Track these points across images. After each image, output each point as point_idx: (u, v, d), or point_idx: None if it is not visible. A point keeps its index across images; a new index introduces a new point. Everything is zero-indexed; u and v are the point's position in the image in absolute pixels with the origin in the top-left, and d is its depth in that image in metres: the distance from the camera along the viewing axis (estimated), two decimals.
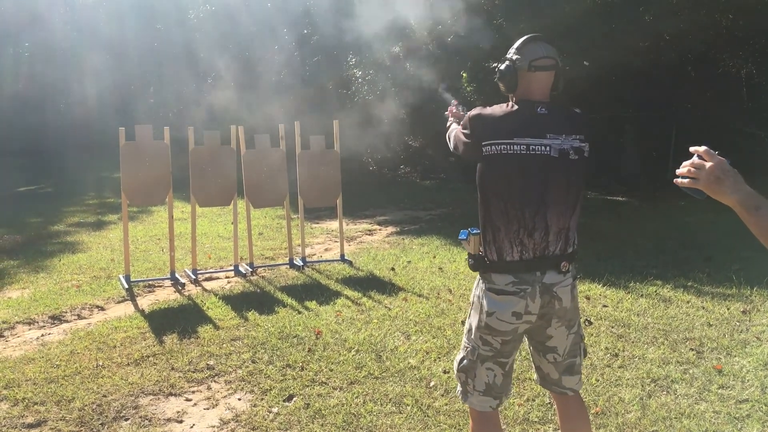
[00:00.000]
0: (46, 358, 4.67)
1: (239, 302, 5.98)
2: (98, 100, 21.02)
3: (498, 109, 2.53)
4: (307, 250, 8.16)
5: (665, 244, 8.01)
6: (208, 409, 3.90)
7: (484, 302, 2.51)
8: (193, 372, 4.39)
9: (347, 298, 6.03)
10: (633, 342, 4.77)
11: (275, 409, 3.83)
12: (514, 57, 2.52)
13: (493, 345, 2.52)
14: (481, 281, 2.56)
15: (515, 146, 2.43)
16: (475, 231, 2.55)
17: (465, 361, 2.59)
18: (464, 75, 11.31)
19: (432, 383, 4.12)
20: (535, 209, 2.43)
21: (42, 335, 5.27)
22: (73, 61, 21.39)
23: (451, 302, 5.78)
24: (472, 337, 2.56)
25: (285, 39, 15.09)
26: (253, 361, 4.54)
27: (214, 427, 3.68)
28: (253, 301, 6.03)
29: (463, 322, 4.96)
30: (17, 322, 5.53)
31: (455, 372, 2.67)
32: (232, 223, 7.44)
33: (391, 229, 9.90)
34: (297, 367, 4.41)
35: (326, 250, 8.53)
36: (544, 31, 2.92)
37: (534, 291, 2.45)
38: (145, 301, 6.22)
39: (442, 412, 3.75)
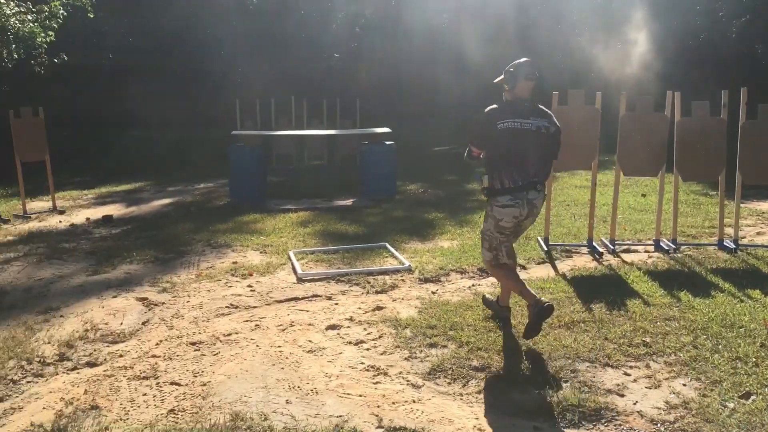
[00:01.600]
0: (481, 307, 4.94)
1: (666, 280, 5.58)
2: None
3: (501, 105, 4.32)
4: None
5: None
6: (649, 388, 3.66)
7: (496, 214, 4.28)
8: (629, 346, 4.19)
9: None
10: None
11: (730, 405, 3.42)
12: (513, 70, 4.26)
13: (504, 234, 4.36)
14: (489, 202, 4.34)
15: (513, 122, 4.17)
16: (480, 170, 4.42)
17: (491, 243, 4.42)
18: None
19: None
20: (522, 158, 4.19)
21: (473, 285, 5.61)
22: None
23: None
24: (490, 235, 4.41)
25: None
26: (695, 347, 4.15)
27: (659, 409, 3.43)
28: (682, 280, 5.56)
29: None
30: (451, 270, 5.99)
31: (485, 252, 4.52)
32: (643, 195, 6.96)
33: None
34: (750, 362, 3.90)
35: (758, 233, 7.51)
36: None
37: (523, 203, 4.21)
38: (564, 266, 6.20)
39: None
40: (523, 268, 6.12)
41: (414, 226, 7.85)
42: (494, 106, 4.30)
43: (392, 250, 6.60)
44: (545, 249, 6.65)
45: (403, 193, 10.49)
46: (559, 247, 6.80)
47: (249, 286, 5.62)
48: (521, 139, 4.16)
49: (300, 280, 5.77)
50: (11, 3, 12.01)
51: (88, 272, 6.20)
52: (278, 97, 14.56)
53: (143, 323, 4.86)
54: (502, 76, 4.32)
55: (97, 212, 9.44)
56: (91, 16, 15.17)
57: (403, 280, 5.73)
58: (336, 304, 5.22)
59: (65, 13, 13.54)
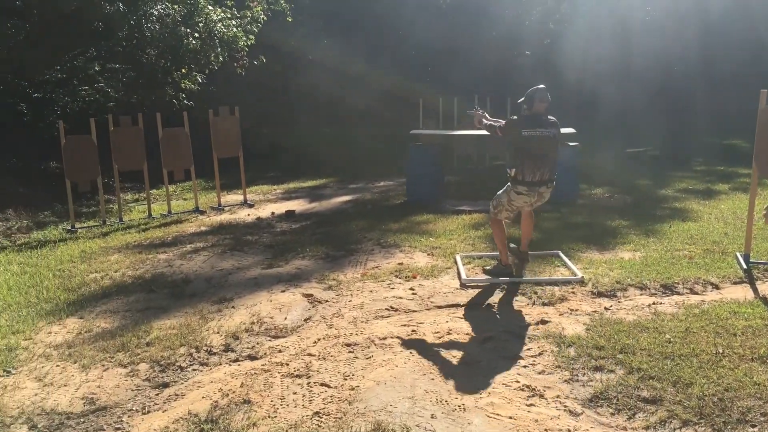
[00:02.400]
0: (659, 329, 4.44)
1: None
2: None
3: (524, 117, 5.57)
4: None
5: None
6: None
7: (512, 195, 5.61)
8: None
9: None
10: None
11: None
12: (531, 94, 5.54)
13: (514, 208, 5.73)
14: (511, 185, 5.60)
15: (535, 131, 5.47)
16: (508, 168, 5.61)
17: (497, 206, 5.73)
18: None
19: None
20: (541, 158, 5.50)
21: (653, 303, 5.07)
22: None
23: None
24: (501, 201, 5.71)
25: None
26: None
27: None
28: None
29: None
30: (629, 285, 5.48)
31: (491, 208, 5.82)
32: None
33: None
34: None
35: None
36: None
37: (534, 194, 5.59)
38: (767, 288, 5.43)
39: None
40: (716, 287, 5.44)
41: (593, 234, 7.33)
42: (515, 117, 5.72)
43: (565, 259, 6.19)
44: (744, 267, 5.87)
45: (587, 198, 9.89)
46: (762, 265, 5.98)
47: (411, 289, 5.53)
48: (542, 143, 5.49)
49: (463, 285, 5.59)
50: (218, 9, 12.99)
51: (263, 265, 6.48)
52: (461, 95, 14.44)
53: (305, 320, 4.95)
54: (523, 98, 5.59)
55: (282, 207, 9.92)
56: (290, 20, 16.05)
57: (573, 292, 5.33)
58: (498, 313, 4.97)
59: (265, 18, 14.43)
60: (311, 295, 5.49)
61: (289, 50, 18.69)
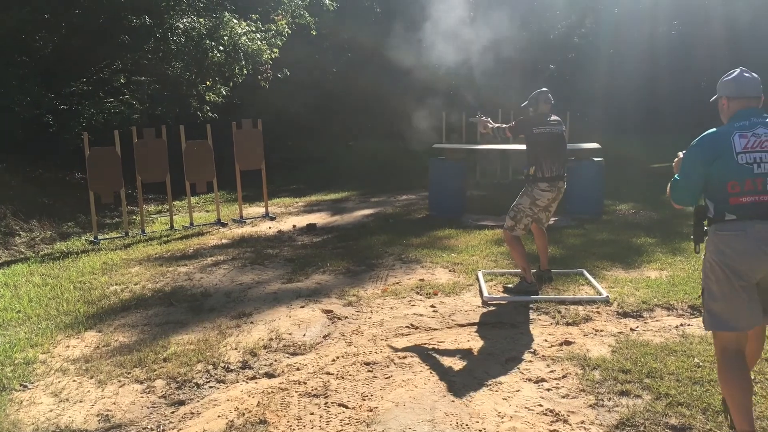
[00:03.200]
0: (687, 353, 4.31)
1: None
2: None
3: (533, 116, 5.84)
4: None
5: None
6: None
7: (535, 194, 5.68)
8: None
9: None
10: None
11: None
12: (535, 96, 5.83)
13: (535, 212, 5.73)
14: (531, 185, 5.72)
15: (545, 128, 5.72)
16: (526, 170, 5.78)
17: (517, 215, 5.71)
18: None
19: None
20: (556, 154, 5.73)
21: (681, 324, 4.93)
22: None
23: None
24: (521, 208, 5.72)
25: None
26: None
27: None
28: None
29: None
30: (656, 305, 5.34)
31: (508, 220, 5.79)
32: None
33: None
34: None
35: None
36: None
37: (555, 188, 5.71)
38: None
39: None
40: None
41: (618, 252, 7.19)
42: (522, 118, 6.03)
43: (590, 277, 6.06)
44: None
45: (611, 214, 9.73)
46: None
47: (432, 306, 5.45)
48: (554, 139, 5.71)
49: (485, 303, 5.48)
50: (242, 23, 13.07)
51: (283, 280, 6.44)
52: (485, 109, 14.34)
53: (324, 336, 4.88)
54: (527, 102, 5.85)
55: (303, 220, 9.89)
56: (314, 33, 16.12)
57: (598, 312, 5.20)
58: (521, 333, 4.86)
59: (290, 31, 14.50)
60: (331, 311, 5.42)
61: (313, 63, 18.76)
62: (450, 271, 6.56)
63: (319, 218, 10.07)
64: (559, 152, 5.75)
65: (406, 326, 5.03)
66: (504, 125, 6.03)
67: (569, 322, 5.00)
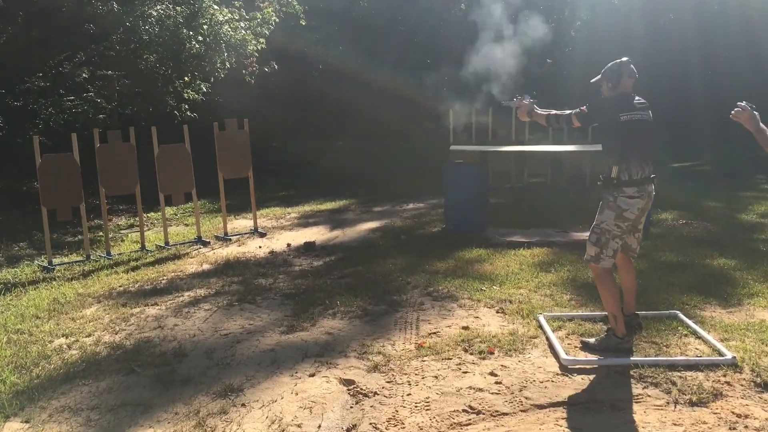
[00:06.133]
0: None
1: None
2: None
3: (614, 97, 4.33)
4: None
5: None
6: None
7: (622, 204, 4.19)
8: None
9: None
10: None
11: None
12: (617, 68, 4.30)
13: (624, 229, 4.22)
14: (614, 192, 4.21)
15: (634, 114, 4.25)
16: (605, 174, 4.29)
17: (601, 238, 4.23)
18: None
19: None
20: (646, 149, 4.27)
21: None
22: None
23: None
24: (605, 227, 4.23)
25: None
26: None
27: None
28: None
29: None
30: None
31: (590, 247, 4.29)
32: None
33: None
34: None
35: None
36: None
37: (644, 195, 4.23)
38: None
39: None
40: None
41: (700, 280, 5.75)
42: (602, 99, 4.40)
43: (692, 323, 4.59)
44: None
45: (658, 225, 8.31)
46: None
47: (492, 373, 3.96)
48: (644, 130, 4.25)
49: (565, 368, 4.01)
50: (224, 10, 11.52)
51: (282, 328, 4.93)
52: (495, 106, 12.90)
53: (347, 430, 3.39)
54: (599, 76, 4.39)
55: (299, 236, 8.40)
56: (303, 23, 14.61)
57: (728, 382, 3.74)
58: (628, 420, 3.40)
59: (277, 20, 12.97)
60: (352, 382, 3.93)
61: (302, 56, 17.24)
62: (498, 312, 5.08)
63: (317, 234, 8.56)
64: (650, 146, 4.31)
65: (464, 409, 3.54)
66: (568, 111, 4.54)
67: (693, 401, 3.54)
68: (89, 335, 4.96)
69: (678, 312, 4.81)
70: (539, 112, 4.73)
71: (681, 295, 5.30)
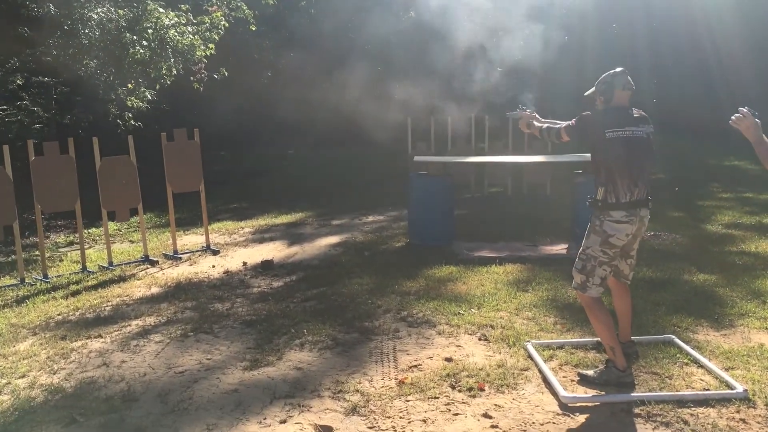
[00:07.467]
0: None
1: None
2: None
3: (602, 112, 4.04)
4: None
5: None
6: None
7: (608, 229, 3.85)
8: None
9: None
10: None
11: None
12: (610, 80, 3.97)
13: (611, 255, 3.89)
14: (600, 215, 3.90)
15: (623, 131, 3.90)
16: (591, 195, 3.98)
17: (586, 265, 3.92)
18: None
19: None
20: (638, 169, 3.90)
21: None
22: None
23: None
24: (590, 253, 3.92)
25: None
26: None
27: None
28: None
29: None
30: None
31: (576, 274, 3.99)
32: None
33: None
34: None
35: None
36: None
37: (635, 220, 3.88)
38: None
39: None
40: None
41: (686, 299, 5.48)
42: (588, 113, 4.07)
43: (690, 350, 4.28)
44: None
45: None
46: None
47: (486, 415, 3.56)
48: (634, 148, 3.90)
49: (564, 406, 3.64)
50: (170, 13, 10.91)
51: (244, 362, 4.43)
52: (455, 114, 12.58)
53: None
54: (593, 89, 4.10)
55: (255, 253, 7.88)
56: (253, 29, 14.07)
57: (743, 419, 3.42)
58: None
59: (227, 24, 12.39)
60: (330, 429, 3.47)
61: (254, 63, 16.67)
62: (481, 340, 4.69)
63: (274, 250, 8.05)
64: (642, 166, 3.92)
65: None
66: (558, 123, 4.28)
67: None
68: (23, 376, 4.37)
69: (673, 336, 4.50)
70: (536, 124, 4.46)
71: (670, 317, 5.01)
